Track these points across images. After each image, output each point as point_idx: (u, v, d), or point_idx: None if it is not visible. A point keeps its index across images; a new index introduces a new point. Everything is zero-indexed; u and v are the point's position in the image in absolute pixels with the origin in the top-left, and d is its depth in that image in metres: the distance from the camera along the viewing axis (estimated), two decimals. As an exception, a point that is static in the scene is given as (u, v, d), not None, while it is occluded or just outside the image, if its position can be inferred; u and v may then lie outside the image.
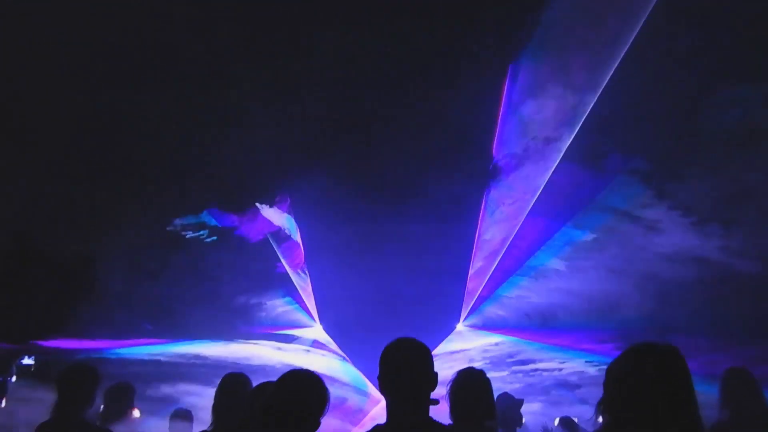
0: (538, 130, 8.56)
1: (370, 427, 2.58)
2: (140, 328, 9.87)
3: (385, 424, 2.53)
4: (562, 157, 8.51)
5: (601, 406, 2.19)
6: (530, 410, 5.65)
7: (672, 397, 2.04)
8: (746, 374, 3.89)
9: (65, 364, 3.80)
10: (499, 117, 8.57)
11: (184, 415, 5.43)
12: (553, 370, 9.99)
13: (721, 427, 3.60)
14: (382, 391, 2.55)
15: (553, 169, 8.70)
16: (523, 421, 5.26)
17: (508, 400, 5.13)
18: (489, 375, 3.55)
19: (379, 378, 2.56)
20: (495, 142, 8.82)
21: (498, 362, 10.41)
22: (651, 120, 7.71)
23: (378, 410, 9.05)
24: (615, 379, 2.16)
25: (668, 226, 8.42)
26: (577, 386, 9.32)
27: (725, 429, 3.56)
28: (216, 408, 3.72)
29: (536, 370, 10.13)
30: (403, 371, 2.49)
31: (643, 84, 7.49)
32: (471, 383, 3.44)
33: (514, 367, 10.25)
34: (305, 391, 2.57)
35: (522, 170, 8.85)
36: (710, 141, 7.62)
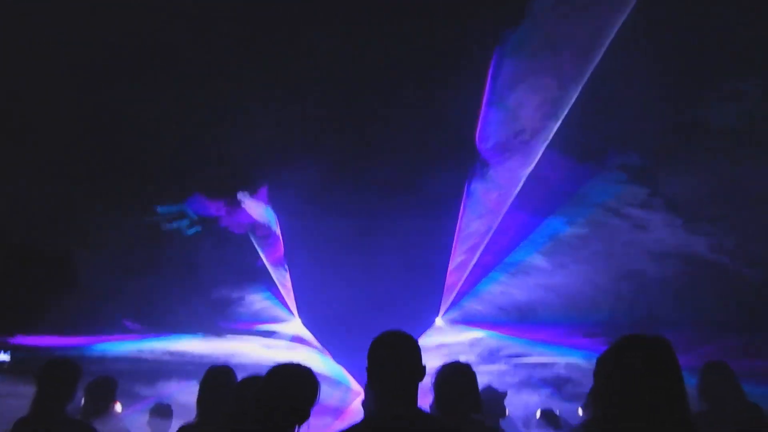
0: (522, 123, 8.52)
1: (353, 421, 2.57)
2: (118, 324, 9.74)
3: (374, 415, 2.54)
4: (545, 150, 8.49)
5: (591, 397, 2.21)
6: (511, 403, 5.67)
7: (661, 388, 2.07)
8: (725, 368, 3.95)
9: (44, 360, 3.71)
10: (482, 109, 8.53)
11: (164, 410, 5.36)
12: (535, 364, 10.07)
13: (700, 418, 3.66)
14: (371, 383, 2.56)
15: (535, 163, 8.66)
16: (507, 412, 5.31)
17: (492, 392, 5.17)
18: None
19: (367, 370, 2.56)
20: (477, 134, 8.80)
21: (480, 356, 10.47)
22: (637, 113, 7.74)
23: (358, 404, 9.04)
24: (604, 370, 2.18)
25: (653, 220, 8.50)
26: (559, 380, 9.40)
27: (706, 420, 3.61)
28: (200, 401, 3.68)
29: (517, 364, 10.20)
30: (392, 363, 2.50)
31: (628, 76, 7.51)
32: (456, 377, 3.43)
33: (497, 362, 10.30)
34: (296, 383, 2.56)
35: (505, 163, 8.78)
36: (698, 135, 7.67)
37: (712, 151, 7.61)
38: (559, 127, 8.26)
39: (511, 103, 8.33)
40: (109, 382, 4.55)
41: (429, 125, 8.73)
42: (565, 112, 8.00)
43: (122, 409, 4.73)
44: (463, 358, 3.69)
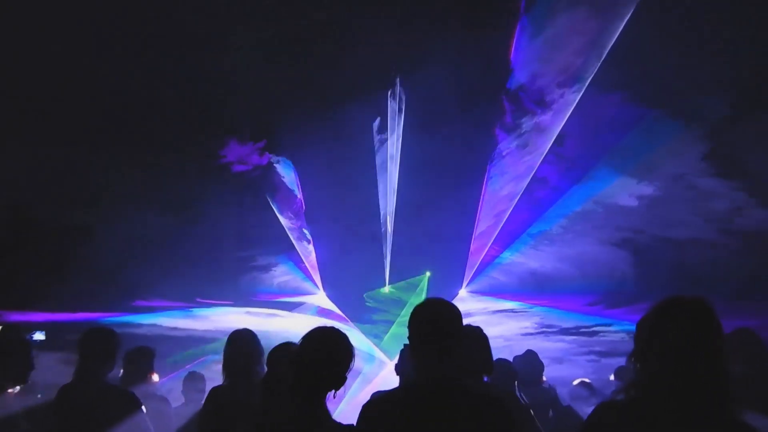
0: (553, 75, 7.73)
1: (379, 388, 2.58)
2: (144, 298, 9.88)
3: (415, 381, 2.56)
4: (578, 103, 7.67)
5: (631, 360, 2.21)
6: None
7: (703, 347, 2.07)
8: (753, 333, 3.93)
9: (81, 332, 3.82)
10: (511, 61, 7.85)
11: (197, 378, 5.48)
12: (559, 334, 10.04)
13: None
14: (412, 349, 2.57)
15: (565, 120, 7.92)
16: (544, 379, 5.39)
17: (532, 359, 5.25)
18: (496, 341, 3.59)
19: (409, 337, 2.57)
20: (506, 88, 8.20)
21: (503, 327, 10.47)
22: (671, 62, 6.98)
23: (386, 373, 9.14)
24: (646, 332, 2.18)
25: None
26: (583, 350, 9.36)
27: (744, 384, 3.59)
28: (226, 365, 3.77)
29: (540, 334, 10.19)
30: (435, 329, 2.51)
31: (666, 23, 6.78)
32: (467, 340, 3.48)
33: (521, 332, 10.29)
34: (332, 346, 2.59)
35: (537, 118, 8.12)
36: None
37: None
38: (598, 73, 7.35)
39: (542, 54, 7.56)
40: (147, 351, 4.68)
41: (459, 81, 8.10)
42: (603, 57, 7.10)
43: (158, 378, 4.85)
44: (487, 329, 3.72)
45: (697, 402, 2.02)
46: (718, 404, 2.02)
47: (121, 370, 4.43)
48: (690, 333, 2.08)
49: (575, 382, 5.94)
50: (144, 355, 4.62)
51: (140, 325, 9.27)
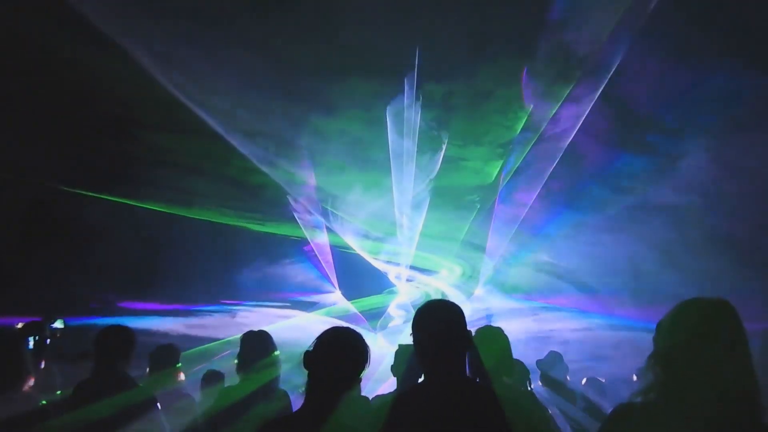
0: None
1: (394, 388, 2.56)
2: (160, 297, 9.93)
3: (423, 383, 2.55)
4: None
5: (651, 362, 2.17)
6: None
7: (725, 349, 2.04)
8: None
9: (99, 327, 3.85)
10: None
11: (216, 377, 5.51)
12: (575, 333, 9.94)
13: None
14: (418, 352, 2.56)
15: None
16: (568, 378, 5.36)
17: (556, 360, 5.23)
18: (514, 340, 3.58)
19: (414, 340, 2.57)
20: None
21: (520, 325, 10.41)
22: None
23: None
24: (666, 332, 2.16)
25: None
26: (600, 349, 9.26)
27: None
28: (241, 365, 3.79)
29: (557, 332, 10.11)
30: (439, 331, 2.51)
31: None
32: (488, 341, 3.45)
33: (536, 331, 10.22)
34: (346, 347, 2.57)
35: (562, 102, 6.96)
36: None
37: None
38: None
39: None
40: (172, 350, 4.72)
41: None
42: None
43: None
44: (504, 327, 3.71)
45: (721, 406, 1.98)
46: (743, 408, 1.98)
47: (147, 369, 4.48)
48: (711, 335, 2.05)
49: (584, 381, 5.92)
50: (169, 353, 4.67)
51: (156, 325, 9.32)
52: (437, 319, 2.56)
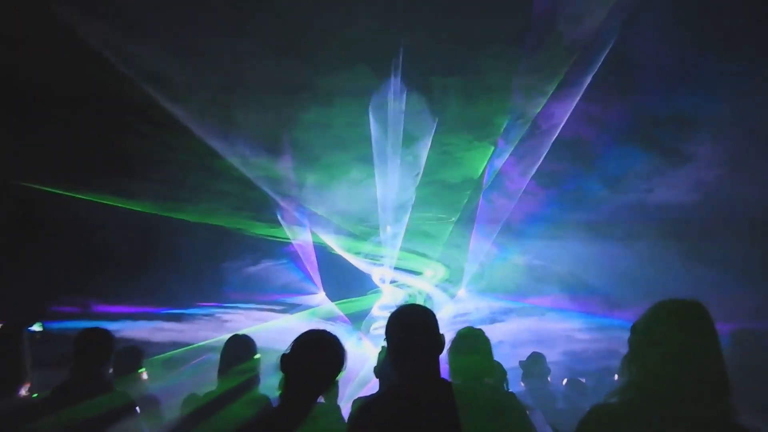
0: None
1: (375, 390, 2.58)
2: (146, 299, 9.83)
3: (398, 386, 2.56)
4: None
5: (625, 363, 2.20)
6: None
7: (698, 349, 2.07)
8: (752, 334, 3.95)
9: (78, 330, 3.82)
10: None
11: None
12: (558, 334, 10.00)
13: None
14: (392, 356, 2.58)
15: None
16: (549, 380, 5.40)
17: (538, 360, 5.27)
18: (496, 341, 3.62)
19: (388, 344, 2.60)
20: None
21: (501, 326, 10.47)
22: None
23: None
24: (640, 333, 2.19)
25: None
26: (581, 350, 9.33)
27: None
28: (222, 370, 3.77)
29: (538, 333, 10.16)
30: (412, 335, 2.53)
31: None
32: (469, 341, 3.50)
33: (517, 332, 10.25)
34: (323, 350, 2.57)
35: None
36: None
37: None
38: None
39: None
40: (136, 351, 4.69)
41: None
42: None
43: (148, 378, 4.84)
44: (486, 329, 3.74)
45: (694, 404, 2.02)
46: (715, 406, 2.02)
47: (110, 369, 4.42)
48: (684, 335, 2.09)
49: (564, 381, 5.97)
50: (133, 354, 4.67)
51: (135, 327, 9.22)
52: (408, 323, 2.58)
